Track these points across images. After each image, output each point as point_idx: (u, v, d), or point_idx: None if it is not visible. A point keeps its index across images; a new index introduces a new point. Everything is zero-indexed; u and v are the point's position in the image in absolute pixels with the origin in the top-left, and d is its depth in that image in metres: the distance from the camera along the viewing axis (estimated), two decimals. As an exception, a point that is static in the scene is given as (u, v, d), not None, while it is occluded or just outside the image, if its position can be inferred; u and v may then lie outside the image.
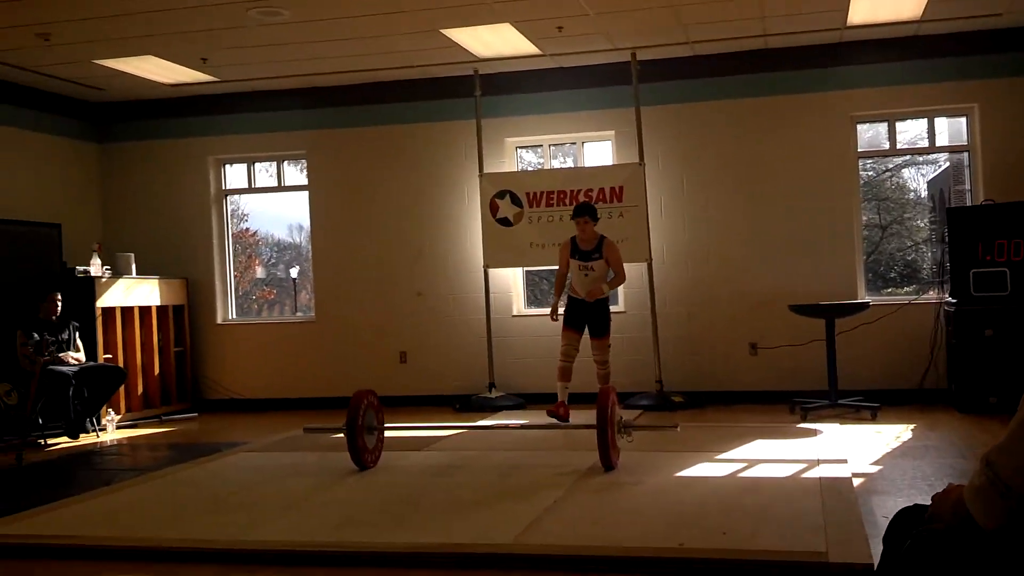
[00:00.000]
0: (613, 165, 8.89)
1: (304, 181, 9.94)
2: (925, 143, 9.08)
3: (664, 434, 6.25)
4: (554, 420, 7.09)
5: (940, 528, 1.96)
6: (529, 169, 10.09)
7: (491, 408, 8.53)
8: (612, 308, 9.15)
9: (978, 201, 8.20)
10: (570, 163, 9.85)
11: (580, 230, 7.20)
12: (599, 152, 9.48)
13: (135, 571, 4.10)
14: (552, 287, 8.02)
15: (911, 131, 9.76)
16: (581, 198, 8.56)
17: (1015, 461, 1.78)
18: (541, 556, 3.88)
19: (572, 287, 7.37)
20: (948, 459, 5.64)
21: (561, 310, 7.34)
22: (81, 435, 8.01)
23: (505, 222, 8.74)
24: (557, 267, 7.52)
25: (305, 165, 9.90)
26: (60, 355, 8.00)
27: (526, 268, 9.43)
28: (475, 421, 7.76)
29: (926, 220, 11.91)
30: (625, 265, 8.92)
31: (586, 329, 7.34)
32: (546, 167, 9.60)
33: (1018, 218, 7.58)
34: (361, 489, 5.36)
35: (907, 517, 2.15)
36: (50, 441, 7.83)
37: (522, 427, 6.49)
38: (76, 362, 8.09)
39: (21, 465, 6.85)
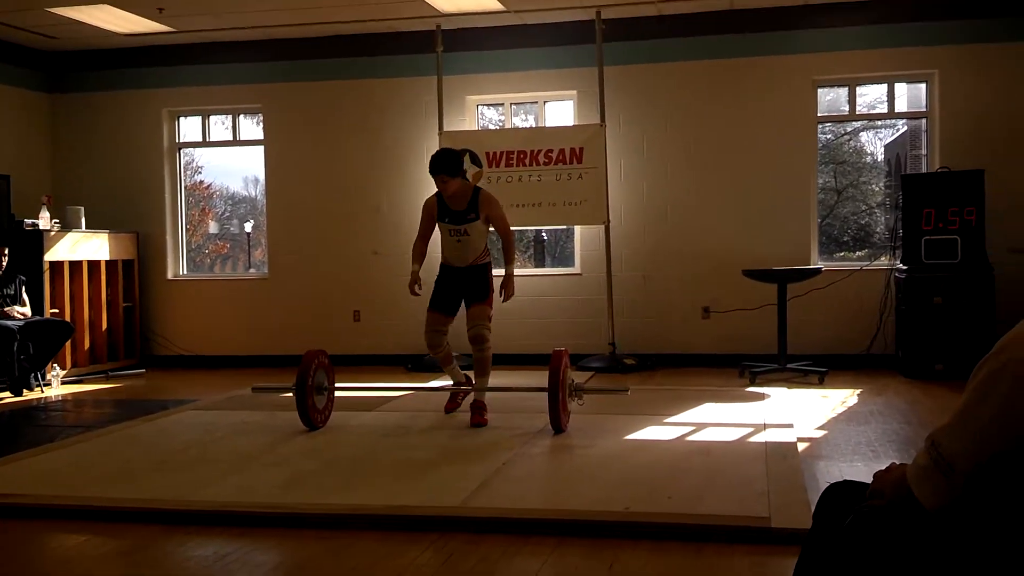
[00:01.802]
0: (574, 126, 8.84)
1: (260, 135, 9.78)
2: (884, 108, 9.10)
3: (615, 397, 6.27)
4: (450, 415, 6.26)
5: (881, 505, 1.97)
6: (490, 127, 10.01)
7: (442, 369, 8.47)
8: (568, 270, 9.21)
9: (934, 168, 8.26)
10: (531, 122, 9.78)
11: (441, 189, 5.86)
12: (561, 112, 9.42)
13: (80, 530, 4.04)
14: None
15: (870, 95, 9.79)
16: (541, 159, 8.51)
17: (960, 441, 1.79)
18: (489, 519, 3.88)
19: (444, 255, 6.18)
20: (893, 425, 5.72)
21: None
22: (25, 391, 7.90)
23: (463, 181, 8.65)
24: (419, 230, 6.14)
25: (261, 119, 9.74)
26: (5, 309, 7.87)
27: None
28: (427, 382, 7.75)
29: (882, 184, 11.97)
30: (583, 228, 8.96)
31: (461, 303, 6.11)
32: (507, 126, 9.53)
33: (971, 186, 7.64)
34: (309, 449, 5.33)
35: (839, 493, 2.17)
36: (-6, 396, 7.73)
37: (473, 389, 6.46)
38: (22, 316, 7.96)
39: (-36, 420, 6.76)
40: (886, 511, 1.94)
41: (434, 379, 7.89)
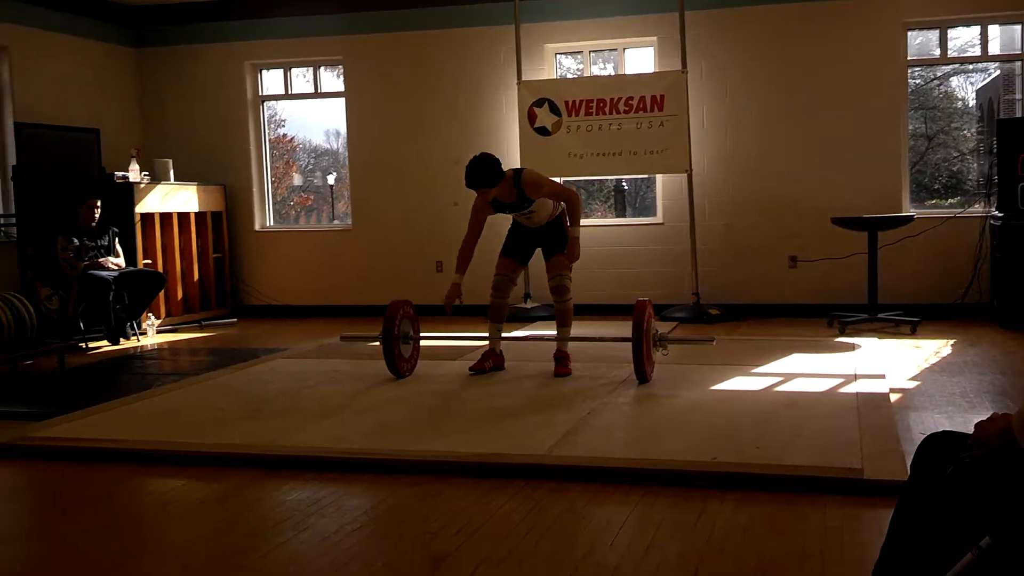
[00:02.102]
0: (654, 73, 8.70)
1: (341, 87, 9.83)
2: (976, 51, 8.77)
3: (700, 347, 6.21)
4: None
5: (984, 455, 1.93)
6: (568, 76, 9.91)
7: (526, 319, 8.53)
8: (649, 220, 9.12)
9: (1030, 112, 7.97)
10: (610, 70, 9.65)
11: (485, 197, 5.80)
12: (640, 59, 9.27)
13: (176, 475, 4.17)
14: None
15: (962, 38, 9.44)
16: (621, 107, 8.41)
17: None
18: (575, 468, 3.89)
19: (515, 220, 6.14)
20: (988, 376, 5.57)
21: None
22: (122, 339, 8.14)
23: (543, 131, 8.61)
24: (474, 216, 5.97)
25: (342, 71, 9.79)
26: (100, 260, 8.09)
27: (564, 179, 9.32)
28: (510, 332, 7.77)
29: (973, 130, 11.56)
30: (664, 177, 8.85)
31: (535, 253, 6.10)
32: (586, 74, 9.42)
33: (1072, 130, 7.36)
34: (397, 397, 5.41)
35: (938, 443, 2.12)
36: (91, 345, 7.97)
37: (555, 339, 6.45)
38: (116, 267, 8.18)
39: (64, 368, 6.98)
40: (989, 461, 1.90)
41: (516, 329, 7.91)
